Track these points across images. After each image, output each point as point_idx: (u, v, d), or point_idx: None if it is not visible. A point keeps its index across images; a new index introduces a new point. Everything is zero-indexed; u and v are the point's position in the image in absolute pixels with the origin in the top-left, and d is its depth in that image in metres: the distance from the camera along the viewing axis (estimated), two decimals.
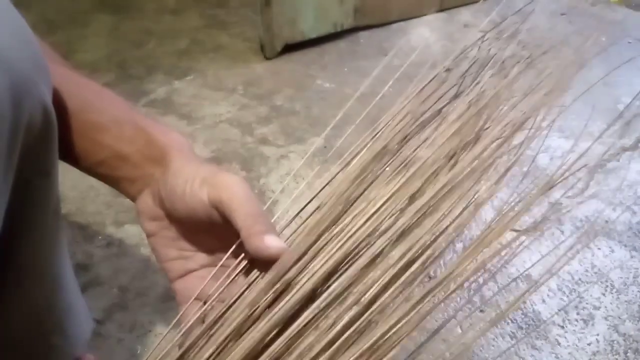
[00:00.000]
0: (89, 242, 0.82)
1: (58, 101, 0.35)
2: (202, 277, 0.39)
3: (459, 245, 0.83)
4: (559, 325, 0.72)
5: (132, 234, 0.83)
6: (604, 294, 0.76)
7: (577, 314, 0.74)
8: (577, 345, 0.70)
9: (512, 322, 0.73)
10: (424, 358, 0.68)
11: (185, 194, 0.36)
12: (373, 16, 1.34)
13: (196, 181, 0.36)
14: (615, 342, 0.71)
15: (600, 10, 1.46)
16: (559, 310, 0.74)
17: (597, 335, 0.71)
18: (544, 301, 0.75)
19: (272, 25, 1.20)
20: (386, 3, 1.34)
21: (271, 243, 0.34)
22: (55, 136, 0.33)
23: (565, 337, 0.71)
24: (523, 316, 0.73)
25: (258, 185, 0.92)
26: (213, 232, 0.37)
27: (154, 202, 0.39)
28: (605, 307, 0.75)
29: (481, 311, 0.74)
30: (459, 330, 0.71)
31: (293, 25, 1.23)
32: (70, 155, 0.38)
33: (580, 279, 0.78)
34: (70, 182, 0.91)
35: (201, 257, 0.40)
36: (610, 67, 1.23)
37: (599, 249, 0.83)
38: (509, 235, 0.88)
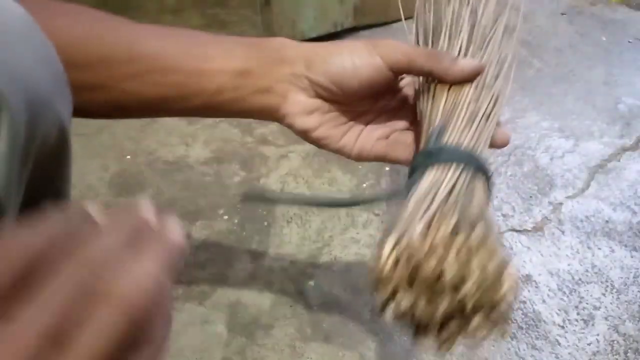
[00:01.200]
0: None
1: (155, 53, 0.38)
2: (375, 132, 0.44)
3: None
4: (559, 325, 0.72)
5: None
6: (604, 294, 0.76)
7: (577, 314, 0.74)
8: (577, 345, 0.70)
9: (512, 322, 0.73)
10: (424, 357, 0.68)
11: (357, 68, 0.39)
12: (373, 16, 1.34)
13: (363, 52, 0.39)
14: (615, 342, 0.71)
15: (600, 9, 1.46)
16: (559, 310, 0.74)
17: (597, 335, 0.71)
18: (544, 301, 0.75)
19: (272, 25, 1.20)
20: (386, 2, 1.34)
21: (465, 66, 0.39)
22: (70, 157, 0.34)
23: (566, 337, 0.71)
24: (523, 316, 0.73)
25: (258, 185, 0.92)
26: (382, 94, 0.44)
27: (308, 96, 0.41)
28: (606, 307, 0.75)
29: None
30: None
31: (293, 25, 1.23)
32: (186, 98, 0.39)
33: (580, 279, 0.78)
34: None
35: (371, 117, 0.45)
36: (610, 67, 1.22)
37: (599, 249, 0.83)
38: (509, 235, 0.88)
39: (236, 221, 0.85)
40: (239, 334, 0.70)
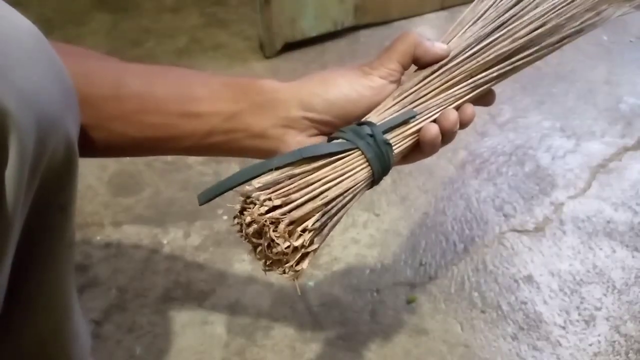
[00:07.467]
0: (87, 243, 0.81)
1: (141, 93, 0.37)
2: None
3: (460, 246, 0.83)
4: (560, 326, 0.72)
5: (131, 234, 0.83)
6: (605, 295, 0.76)
7: (579, 314, 0.73)
8: (578, 346, 0.70)
9: (513, 322, 0.72)
10: (424, 358, 0.68)
11: (361, 96, 0.40)
12: (373, 14, 1.33)
13: (361, 79, 0.40)
14: (616, 342, 0.70)
15: None
16: (560, 311, 0.74)
17: (599, 336, 0.71)
18: (545, 302, 0.75)
19: (271, 24, 1.19)
20: (387, 1, 1.33)
21: (439, 46, 0.42)
22: (76, 172, 0.34)
23: (567, 338, 0.71)
24: (524, 317, 0.73)
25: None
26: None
27: (308, 135, 0.40)
28: (607, 307, 0.74)
29: (482, 312, 0.73)
30: (460, 331, 0.71)
31: (293, 23, 1.23)
32: (176, 139, 0.39)
33: (581, 280, 0.78)
34: None
35: None
36: (612, 66, 1.22)
37: (601, 249, 0.82)
38: (510, 235, 0.88)
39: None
40: (238, 334, 0.70)
